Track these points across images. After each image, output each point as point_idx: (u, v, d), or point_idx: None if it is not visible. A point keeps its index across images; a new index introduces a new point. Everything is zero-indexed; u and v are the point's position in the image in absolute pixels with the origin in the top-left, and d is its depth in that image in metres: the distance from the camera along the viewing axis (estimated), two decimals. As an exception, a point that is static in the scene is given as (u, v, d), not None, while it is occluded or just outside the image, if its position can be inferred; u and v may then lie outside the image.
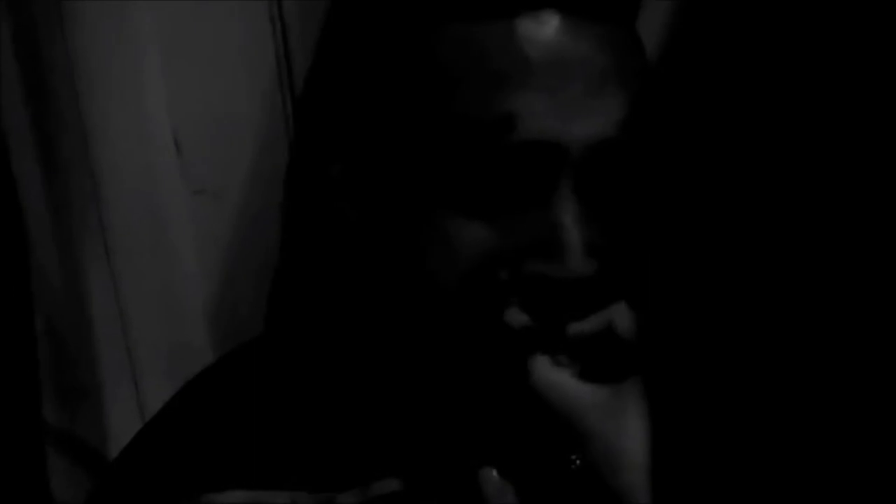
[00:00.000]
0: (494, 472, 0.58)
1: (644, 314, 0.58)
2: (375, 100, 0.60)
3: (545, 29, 0.56)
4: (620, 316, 0.57)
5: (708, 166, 0.74)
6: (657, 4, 0.71)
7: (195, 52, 0.73)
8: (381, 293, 0.62)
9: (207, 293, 0.76)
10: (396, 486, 0.57)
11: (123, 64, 0.72)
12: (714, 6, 0.74)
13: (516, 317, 0.56)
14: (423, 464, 0.59)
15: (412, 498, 0.57)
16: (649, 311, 0.59)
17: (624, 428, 0.55)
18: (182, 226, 0.74)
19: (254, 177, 0.75)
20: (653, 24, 0.70)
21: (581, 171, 0.55)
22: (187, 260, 0.75)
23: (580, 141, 0.55)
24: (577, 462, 0.56)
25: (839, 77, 0.66)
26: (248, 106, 0.75)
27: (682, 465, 0.55)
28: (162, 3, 0.72)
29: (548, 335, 0.56)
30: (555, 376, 0.56)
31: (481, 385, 0.58)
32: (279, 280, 0.72)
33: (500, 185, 0.55)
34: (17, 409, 0.72)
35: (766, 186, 0.71)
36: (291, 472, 0.60)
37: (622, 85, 0.57)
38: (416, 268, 0.58)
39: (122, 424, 0.74)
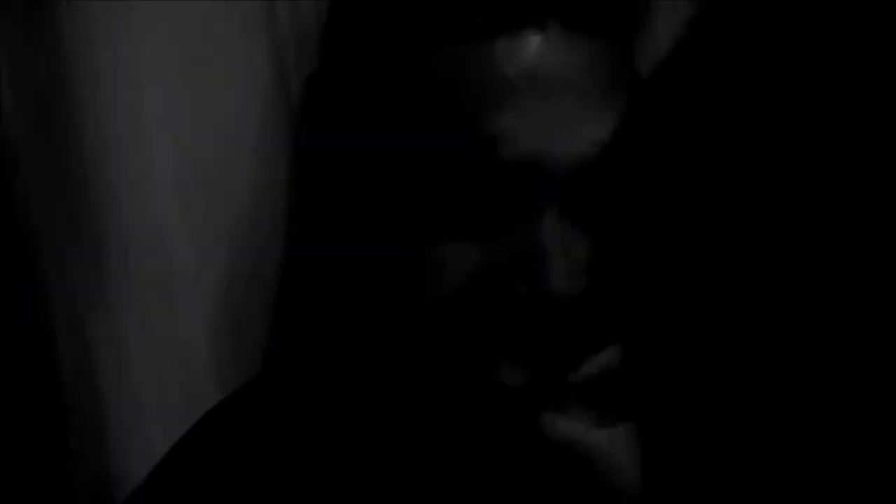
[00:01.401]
0: None
1: (639, 330, 0.60)
2: (368, 121, 0.60)
3: (527, 48, 0.56)
4: (615, 357, 0.59)
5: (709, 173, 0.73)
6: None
7: (199, 77, 0.73)
8: (375, 319, 0.62)
9: (212, 330, 0.74)
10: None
11: (124, 95, 0.71)
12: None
13: (513, 376, 0.57)
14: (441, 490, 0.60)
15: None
16: (645, 326, 0.60)
17: (634, 459, 0.57)
18: (186, 261, 0.73)
19: (262, 211, 0.74)
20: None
21: (566, 191, 0.56)
22: (191, 297, 0.74)
23: (563, 162, 0.56)
24: None
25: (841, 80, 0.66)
26: (256, 136, 0.74)
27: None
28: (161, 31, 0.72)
29: (549, 386, 0.57)
30: (571, 428, 0.57)
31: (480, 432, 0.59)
32: (280, 304, 0.72)
33: (486, 206, 0.56)
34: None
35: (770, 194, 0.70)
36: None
37: (609, 103, 0.57)
38: (407, 291, 0.59)
39: (127, 463, 0.73)
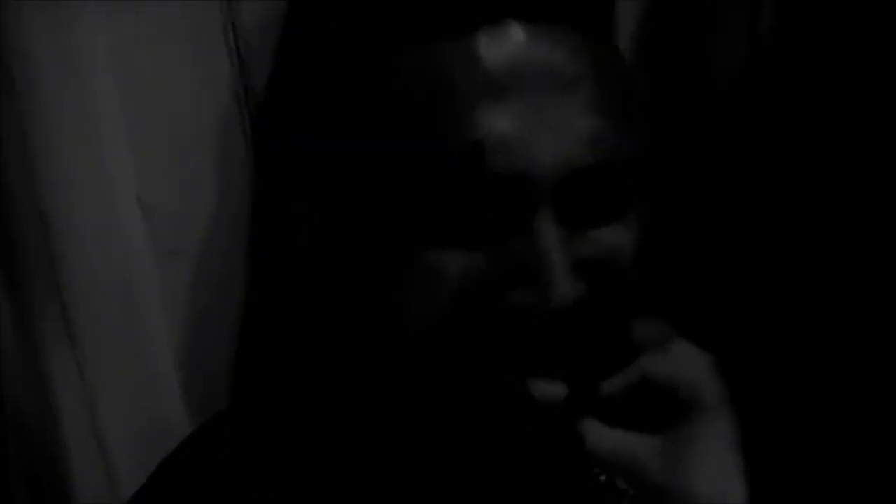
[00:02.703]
0: None
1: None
2: (337, 132, 0.57)
3: (507, 41, 0.53)
4: (654, 364, 0.54)
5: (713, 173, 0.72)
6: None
7: (158, 109, 0.70)
8: (358, 337, 0.59)
9: (180, 363, 0.71)
10: None
11: (83, 125, 0.68)
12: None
13: (548, 389, 0.54)
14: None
15: None
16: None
17: (690, 473, 0.52)
18: (151, 293, 0.70)
19: (226, 237, 0.71)
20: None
21: (559, 196, 0.53)
22: (158, 329, 0.71)
23: (555, 163, 0.52)
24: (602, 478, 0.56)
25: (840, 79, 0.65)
26: (215, 163, 0.71)
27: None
28: (122, 61, 0.69)
29: (582, 396, 0.54)
30: (610, 435, 0.53)
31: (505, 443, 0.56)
32: (246, 331, 0.69)
33: (477, 214, 0.53)
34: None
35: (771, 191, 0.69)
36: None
37: (597, 95, 0.54)
38: (396, 305, 0.55)
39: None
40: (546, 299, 0.52)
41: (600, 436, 0.53)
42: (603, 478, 0.57)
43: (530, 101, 0.52)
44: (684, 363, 0.54)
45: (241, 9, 0.71)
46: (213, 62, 0.71)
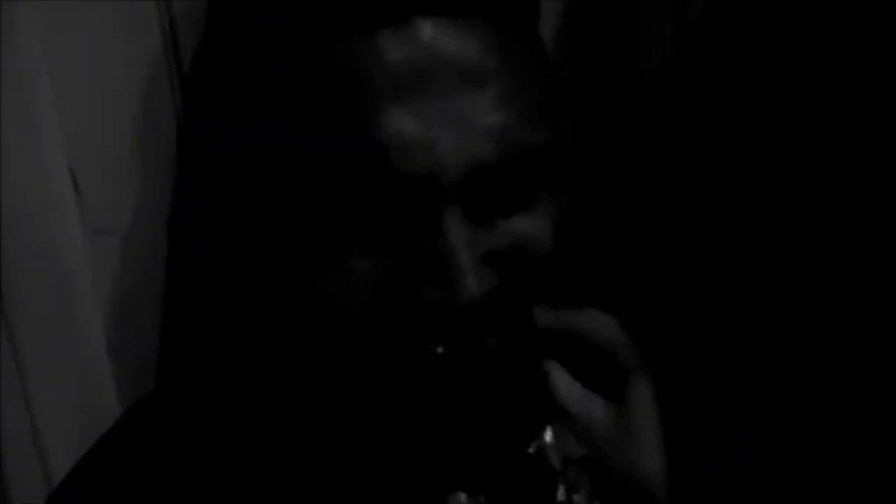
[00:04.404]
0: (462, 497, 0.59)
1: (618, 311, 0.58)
2: (248, 126, 0.57)
3: (412, 39, 0.52)
4: (590, 321, 0.57)
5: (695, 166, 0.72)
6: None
7: (89, 84, 0.69)
8: (279, 331, 0.60)
9: (111, 341, 0.71)
10: None
11: (15, 100, 0.67)
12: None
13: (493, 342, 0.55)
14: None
15: None
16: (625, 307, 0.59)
17: (637, 448, 0.56)
18: (82, 269, 0.69)
19: (157, 215, 0.70)
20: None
21: (465, 193, 0.53)
22: (88, 304, 0.70)
23: (456, 167, 0.52)
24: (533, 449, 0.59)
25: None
26: (147, 140, 0.70)
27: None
28: (53, 35, 0.67)
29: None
30: (571, 382, 0.57)
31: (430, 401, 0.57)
32: (169, 317, 0.69)
33: (386, 215, 0.53)
34: None
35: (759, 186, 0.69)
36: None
37: (507, 88, 0.53)
38: (313, 298, 0.56)
39: (24, 488, 0.70)
40: (455, 295, 0.52)
41: (562, 378, 0.57)
42: (531, 450, 0.59)
43: (436, 100, 0.52)
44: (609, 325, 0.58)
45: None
46: (144, 37, 0.69)
